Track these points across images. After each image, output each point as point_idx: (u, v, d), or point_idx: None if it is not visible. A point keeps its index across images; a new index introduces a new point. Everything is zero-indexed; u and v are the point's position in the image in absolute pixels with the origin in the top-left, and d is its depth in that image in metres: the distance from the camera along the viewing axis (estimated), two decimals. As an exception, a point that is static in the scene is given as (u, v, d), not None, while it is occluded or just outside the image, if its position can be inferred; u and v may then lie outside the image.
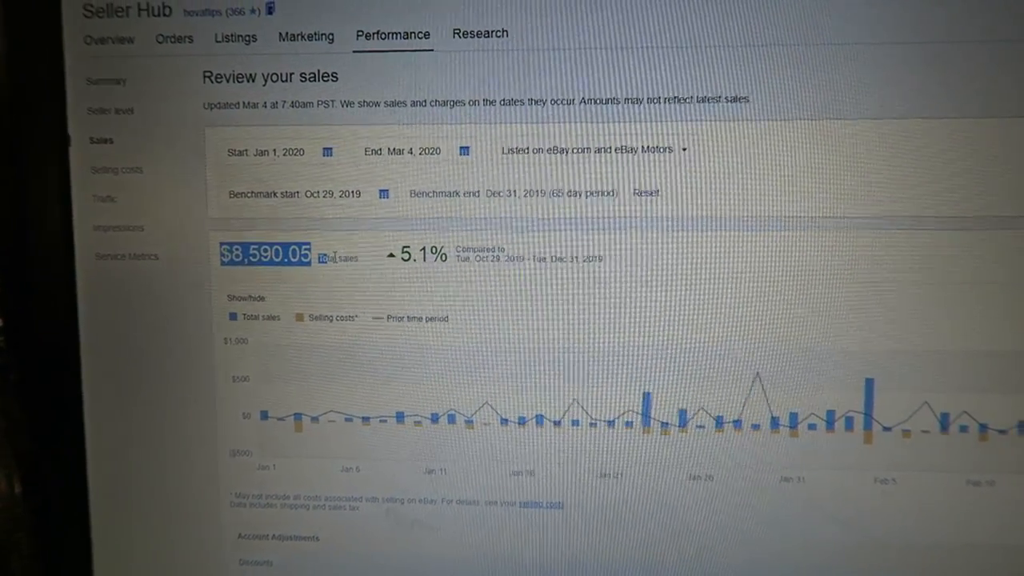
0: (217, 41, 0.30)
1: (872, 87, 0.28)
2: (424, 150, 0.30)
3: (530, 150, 0.29)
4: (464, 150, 0.30)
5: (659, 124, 0.29)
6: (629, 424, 0.30)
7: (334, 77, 0.30)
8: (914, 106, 0.28)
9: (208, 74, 0.30)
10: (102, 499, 0.32)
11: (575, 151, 0.29)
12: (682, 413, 0.30)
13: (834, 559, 0.31)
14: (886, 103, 0.28)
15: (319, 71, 0.30)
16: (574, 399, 0.30)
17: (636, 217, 0.29)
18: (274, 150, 0.30)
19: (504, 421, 0.31)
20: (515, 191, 0.30)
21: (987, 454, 0.29)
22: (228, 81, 0.30)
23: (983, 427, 0.29)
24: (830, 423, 0.30)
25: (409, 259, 0.30)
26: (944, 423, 0.29)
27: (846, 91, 0.28)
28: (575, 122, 0.29)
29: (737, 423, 0.30)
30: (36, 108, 0.30)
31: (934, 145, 0.28)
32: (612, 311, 0.30)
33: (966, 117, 0.28)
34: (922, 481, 0.30)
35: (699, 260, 0.29)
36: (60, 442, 0.32)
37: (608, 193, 0.29)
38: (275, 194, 0.30)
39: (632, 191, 0.29)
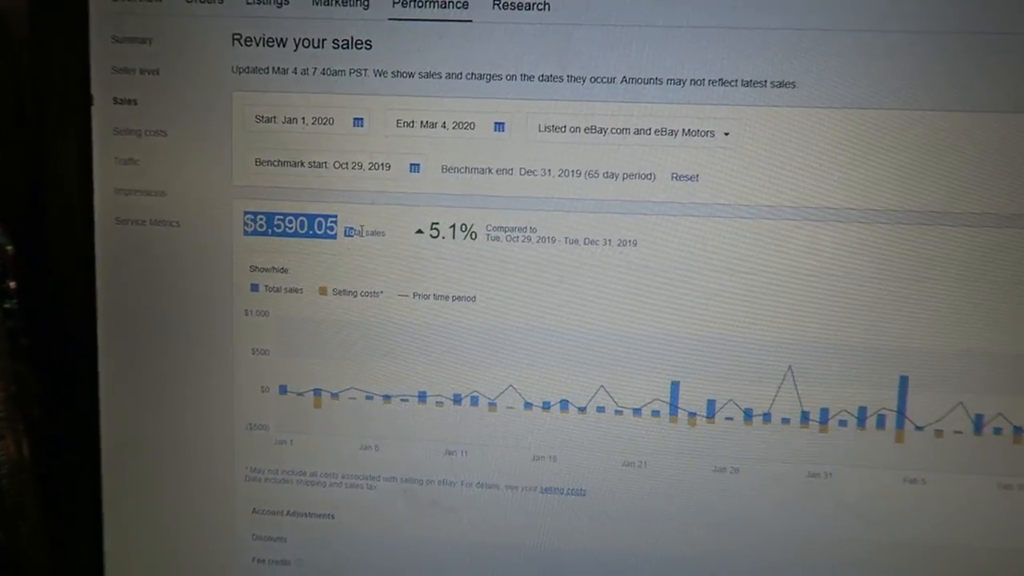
0: (248, 3, 0.29)
1: (925, 77, 0.27)
2: (458, 124, 0.29)
3: (567, 128, 0.29)
4: (499, 126, 0.29)
5: (701, 107, 0.28)
6: (656, 413, 0.30)
7: (368, 45, 0.29)
8: (966, 99, 0.27)
9: (238, 37, 0.29)
10: (114, 468, 0.32)
11: (613, 131, 0.28)
12: (711, 404, 0.30)
13: (859, 558, 0.30)
14: (939, 94, 0.27)
15: (352, 38, 0.29)
16: (600, 385, 0.30)
17: (673, 202, 0.29)
18: (303, 118, 0.29)
19: (528, 405, 0.30)
20: (549, 170, 0.29)
21: (1021, 457, 0.29)
22: (258, 45, 0.29)
23: (1018, 430, 0.29)
24: (861, 420, 0.29)
25: (438, 236, 0.29)
26: (978, 424, 0.29)
27: (897, 80, 0.27)
28: (614, 101, 0.28)
29: (766, 416, 0.29)
30: (58, 65, 0.30)
31: (985, 140, 0.27)
32: (644, 297, 0.29)
33: (1015, 112, 0.27)
34: (953, 483, 0.29)
35: (735, 249, 0.29)
36: (72, 409, 0.32)
37: (645, 176, 0.29)
38: (302, 164, 0.29)
39: (670, 175, 0.29)
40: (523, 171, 0.29)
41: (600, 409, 0.30)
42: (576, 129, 0.29)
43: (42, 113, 0.30)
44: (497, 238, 0.29)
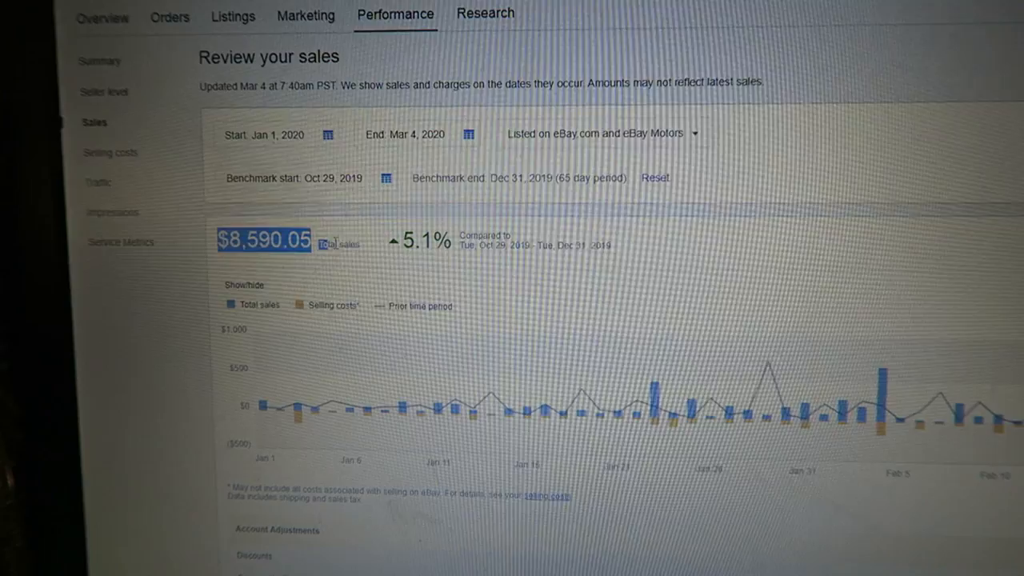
0: (214, 20, 0.29)
1: (889, 70, 0.27)
2: (427, 133, 0.29)
3: (536, 133, 0.29)
4: (468, 133, 0.29)
5: (669, 107, 0.28)
6: (637, 414, 0.30)
7: (335, 57, 0.29)
8: (932, 90, 0.27)
9: (205, 54, 0.29)
10: (97, 490, 0.32)
11: (582, 135, 0.28)
12: (691, 403, 0.30)
13: (844, 552, 0.30)
14: (903, 87, 0.27)
15: (319, 51, 0.29)
16: (580, 389, 0.30)
17: (645, 203, 0.29)
18: (273, 132, 0.29)
19: (509, 411, 0.30)
20: (521, 176, 0.29)
21: (1002, 446, 0.29)
22: (226, 61, 0.29)
23: (998, 418, 0.29)
24: (842, 414, 0.29)
25: (412, 245, 0.29)
26: (959, 414, 0.29)
27: (862, 74, 0.27)
28: (583, 105, 0.28)
29: (747, 414, 0.29)
30: (27, 88, 0.30)
31: (952, 130, 0.28)
32: (620, 299, 0.29)
33: (987, 100, 0.27)
34: (935, 473, 0.29)
35: (709, 247, 0.29)
36: (53, 432, 0.32)
37: (616, 178, 0.29)
38: (274, 178, 0.29)
39: (641, 176, 0.29)
40: (494, 177, 0.29)
41: (581, 413, 0.30)
42: (545, 134, 0.29)
43: (12, 136, 0.30)
44: (471, 245, 0.29)
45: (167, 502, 0.32)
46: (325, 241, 0.30)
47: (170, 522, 0.32)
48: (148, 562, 0.32)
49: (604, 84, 0.28)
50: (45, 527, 0.32)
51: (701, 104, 0.28)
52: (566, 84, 0.28)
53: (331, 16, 0.28)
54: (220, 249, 0.30)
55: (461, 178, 0.29)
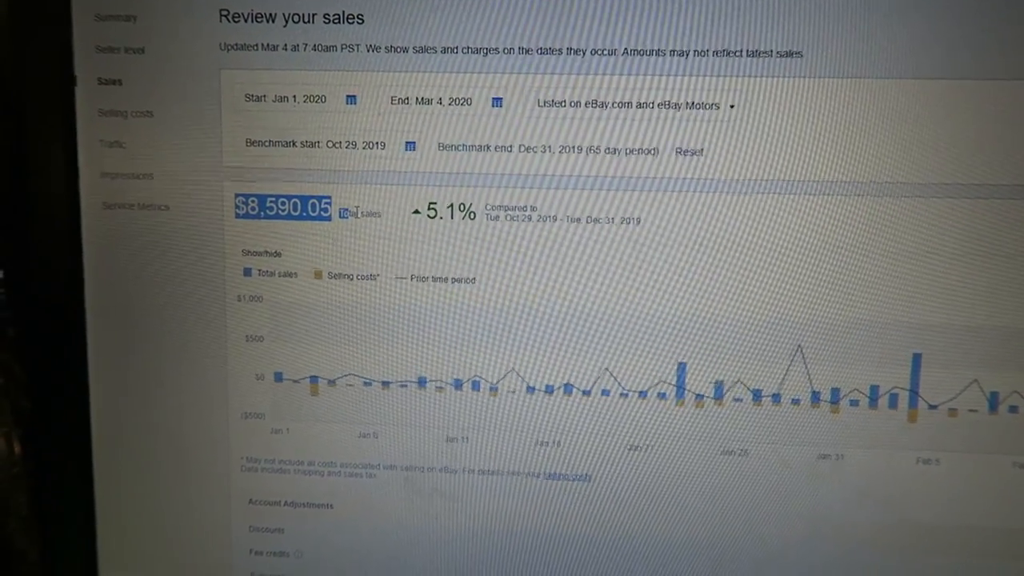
0: (235, -23, 0.28)
1: (934, 44, 0.26)
2: (454, 100, 0.28)
3: (567, 103, 0.28)
4: (496, 101, 0.28)
5: (705, 79, 0.27)
6: (662, 395, 0.29)
7: (359, 19, 0.28)
8: (977, 67, 0.26)
9: (225, 13, 0.28)
10: (106, 461, 0.31)
11: (615, 105, 0.28)
12: (718, 385, 0.29)
13: (870, 540, 0.29)
14: (948, 63, 0.26)
15: (343, 12, 0.28)
16: (605, 368, 0.29)
17: (677, 178, 0.28)
18: (294, 96, 0.28)
19: (531, 389, 0.29)
20: (549, 147, 0.28)
21: (1037, 436, 0.28)
22: (246, 21, 0.28)
23: (1034, 407, 0.28)
24: (873, 399, 0.28)
25: (435, 216, 0.29)
26: (993, 403, 0.28)
27: (904, 48, 0.26)
28: (616, 74, 0.27)
29: (776, 397, 0.29)
30: (40, 45, 0.29)
31: (995, 109, 0.27)
32: (648, 277, 0.28)
33: (1034, 79, 0.26)
34: (967, 462, 0.29)
35: (742, 225, 0.28)
36: (62, 401, 0.31)
37: (648, 151, 0.28)
38: (295, 143, 0.28)
39: (674, 150, 0.28)
40: (522, 148, 0.28)
41: (605, 392, 0.29)
42: (576, 103, 0.28)
43: (24, 95, 0.29)
44: (496, 217, 0.28)
45: (178, 474, 0.31)
46: (346, 210, 0.29)
47: (181, 494, 0.31)
48: (158, 534, 0.31)
49: (639, 53, 0.27)
50: (53, 497, 0.32)
51: (739, 76, 0.27)
52: (600, 52, 0.27)
53: (357, -25, 0.27)
54: (237, 216, 0.29)
55: (488, 148, 0.28)
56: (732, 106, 0.27)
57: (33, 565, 0.33)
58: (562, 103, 0.28)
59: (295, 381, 0.30)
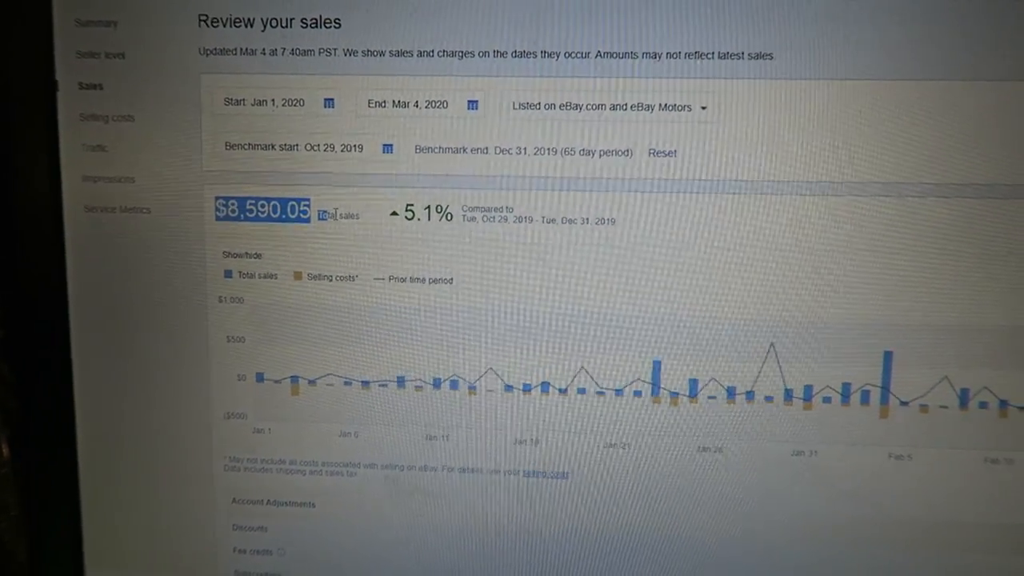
0: (214, -18, 0.28)
1: (904, 46, 0.27)
2: (430, 103, 0.28)
3: (542, 105, 0.28)
4: (472, 104, 0.28)
5: (677, 81, 0.28)
6: (638, 393, 0.29)
7: (337, 24, 0.28)
8: (947, 68, 0.27)
9: (204, 18, 0.28)
10: (91, 461, 0.31)
11: (589, 107, 0.28)
12: (693, 383, 0.29)
13: (845, 535, 0.30)
14: (917, 64, 0.27)
15: (321, 16, 0.28)
16: (581, 366, 0.29)
17: (651, 179, 0.28)
18: (273, 100, 0.29)
19: (508, 388, 0.30)
20: (525, 148, 0.28)
21: (1006, 431, 0.29)
22: (225, 25, 0.28)
23: (1003, 403, 0.28)
24: (846, 396, 0.29)
25: (413, 218, 0.29)
26: (963, 399, 0.28)
27: (875, 50, 0.27)
28: (590, 76, 0.28)
29: (750, 394, 0.29)
30: (21, 51, 0.29)
31: (969, 109, 0.27)
32: (623, 276, 0.29)
33: (998, 80, 0.27)
34: (938, 458, 0.29)
35: (715, 225, 0.28)
36: (48, 402, 0.31)
37: (622, 153, 0.28)
38: (273, 147, 0.29)
39: (648, 151, 0.28)
40: (498, 150, 0.28)
41: (581, 391, 0.30)
42: (551, 106, 0.28)
43: (5, 100, 0.29)
44: (473, 218, 0.29)
45: (163, 473, 0.31)
46: (324, 212, 0.29)
47: (165, 493, 0.31)
48: (143, 532, 0.32)
49: (612, 56, 0.27)
50: (41, 497, 0.32)
51: (711, 78, 0.27)
52: (573, 55, 0.28)
53: (334, -20, 0.28)
54: (218, 218, 0.29)
55: (464, 150, 0.28)
56: (704, 107, 0.28)
57: (22, 565, 0.33)
58: (537, 105, 0.28)
59: (276, 381, 0.30)
